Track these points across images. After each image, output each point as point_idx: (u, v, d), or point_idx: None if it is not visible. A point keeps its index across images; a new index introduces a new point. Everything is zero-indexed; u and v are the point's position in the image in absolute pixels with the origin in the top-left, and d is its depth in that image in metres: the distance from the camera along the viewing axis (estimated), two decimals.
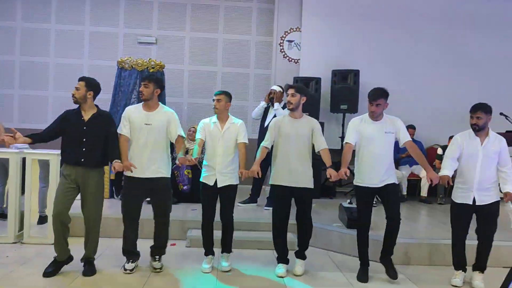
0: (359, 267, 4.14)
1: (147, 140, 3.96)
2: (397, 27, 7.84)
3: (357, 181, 4.08)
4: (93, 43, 8.01)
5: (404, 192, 7.13)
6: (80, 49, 8.00)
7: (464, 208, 3.92)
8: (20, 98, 7.90)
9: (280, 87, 6.10)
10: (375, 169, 3.97)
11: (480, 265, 4.01)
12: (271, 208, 5.79)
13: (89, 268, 3.94)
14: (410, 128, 7.00)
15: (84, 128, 3.85)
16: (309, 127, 4.07)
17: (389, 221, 4.01)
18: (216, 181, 4.05)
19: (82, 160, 3.82)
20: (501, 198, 3.98)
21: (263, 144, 4.17)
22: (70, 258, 3.98)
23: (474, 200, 3.87)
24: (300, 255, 4.22)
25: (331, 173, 3.85)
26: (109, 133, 3.94)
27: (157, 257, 4.16)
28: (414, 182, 7.46)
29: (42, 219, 5.17)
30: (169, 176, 4.14)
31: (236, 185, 4.18)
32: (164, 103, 6.88)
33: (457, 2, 7.91)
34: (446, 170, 3.96)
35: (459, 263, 4.07)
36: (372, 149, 3.97)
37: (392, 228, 4.00)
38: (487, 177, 3.87)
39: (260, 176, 4.02)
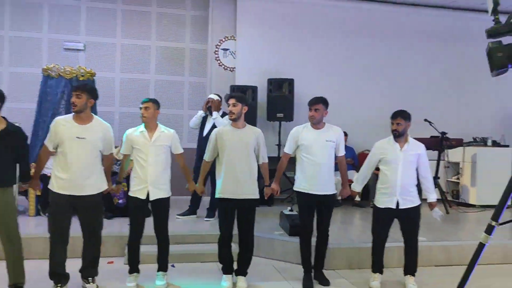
0: (303, 275, 4.17)
1: (78, 155, 3.67)
2: (329, 36, 8.11)
3: (298, 187, 4.14)
4: (14, 49, 7.45)
5: (339, 197, 7.33)
6: None
7: (387, 213, 4.07)
8: None
9: (218, 95, 6.05)
10: (317, 177, 4.05)
11: (411, 269, 4.14)
12: (212, 219, 5.76)
13: None
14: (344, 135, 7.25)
15: None
16: (254, 136, 4.02)
17: (320, 234, 4.17)
18: (148, 194, 3.88)
19: None
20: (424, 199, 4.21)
21: (205, 158, 4.08)
22: None
23: (397, 204, 4.03)
24: (241, 272, 4.14)
25: (268, 192, 4.17)
26: (20, 150, 3.65)
27: (90, 278, 3.87)
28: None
29: None
30: (102, 191, 3.89)
31: (169, 197, 4.05)
32: (95, 112, 6.57)
33: (383, 14, 8.33)
34: (358, 186, 4.37)
35: (378, 266, 4.20)
36: (313, 156, 4.05)
37: (323, 241, 4.18)
38: (409, 181, 4.05)
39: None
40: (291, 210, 5.37)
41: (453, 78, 8.56)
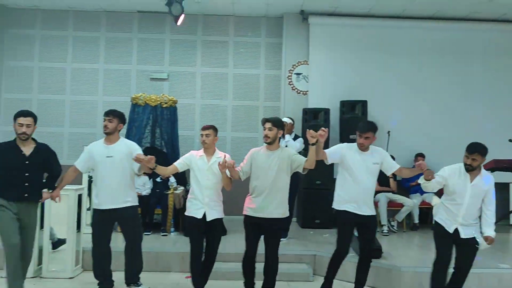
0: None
1: (110, 172, 4.12)
2: (404, 57, 8.00)
3: (338, 206, 4.20)
4: (107, 80, 8.28)
5: (416, 221, 7.12)
6: (95, 86, 8.27)
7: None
8: (37, 135, 8.06)
9: (290, 118, 6.25)
10: (361, 199, 4.11)
11: None
12: (284, 240, 5.88)
13: None
14: (420, 156, 7.08)
15: (26, 162, 3.86)
16: (285, 157, 4.07)
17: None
18: (204, 214, 4.10)
19: (26, 195, 3.86)
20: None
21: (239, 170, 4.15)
22: None
23: (456, 232, 3.91)
24: None
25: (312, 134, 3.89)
26: (51, 165, 4.07)
27: (133, 285, 4.23)
28: (426, 210, 7.46)
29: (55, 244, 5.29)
30: (137, 204, 4.31)
31: (221, 218, 4.28)
32: (177, 136, 7.09)
33: (464, 34, 8.06)
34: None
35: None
36: (356, 178, 4.10)
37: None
38: (471, 214, 3.92)
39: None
40: None
41: None
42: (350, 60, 7.98)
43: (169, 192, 6.31)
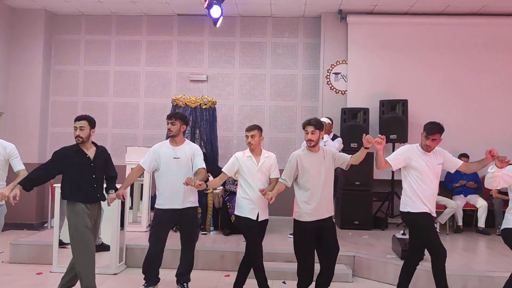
0: None
1: (177, 173, 4.22)
2: (445, 54, 7.80)
3: (416, 209, 4.03)
4: (148, 83, 8.51)
5: (460, 223, 6.92)
6: (137, 89, 8.51)
7: None
8: None
9: (329, 118, 6.22)
10: (432, 201, 4.05)
11: None
12: None
13: None
14: (464, 156, 6.87)
15: (92, 165, 3.99)
16: (328, 157, 4.06)
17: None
18: (258, 215, 4.17)
19: (98, 195, 4.02)
20: None
21: (285, 181, 4.03)
22: None
23: None
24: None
25: (367, 139, 3.89)
26: (110, 166, 4.19)
27: (185, 284, 4.34)
28: (469, 213, 7.23)
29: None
30: (197, 205, 4.44)
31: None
32: (216, 137, 7.20)
33: (505, 29, 7.79)
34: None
35: None
36: (424, 180, 4.01)
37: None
38: None
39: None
40: (403, 234, 5.25)
41: None
42: (389, 59, 7.85)
43: (209, 191, 6.41)
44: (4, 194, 3.77)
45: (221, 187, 6.81)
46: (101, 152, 4.11)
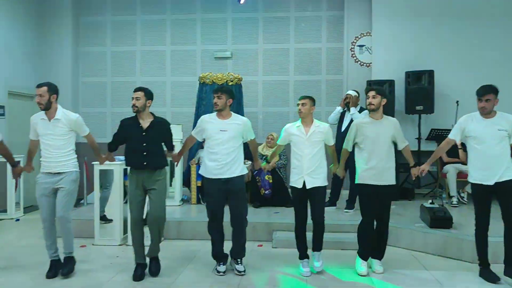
0: (481, 269, 4.11)
1: (224, 145, 4.23)
2: (473, 22, 7.62)
3: (472, 179, 4.08)
4: (174, 61, 8.64)
5: None
6: (163, 68, 8.66)
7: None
8: (112, 115, 8.70)
9: (356, 91, 6.26)
10: (491, 169, 3.94)
11: None
12: (351, 211, 6.00)
13: (155, 265, 4.29)
14: None
15: (144, 134, 4.19)
16: (391, 127, 4.23)
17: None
18: (304, 183, 4.24)
19: (145, 163, 4.18)
20: None
21: (345, 147, 4.36)
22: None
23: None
24: (377, 256, 4.33)
25: (415, 172, 4.21)
26: (167, 137, 4.35)
27: (239, 260, 4.36)
28: None
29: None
30: (244, 175, 4.38)
31: (325, 186, 4.35)
32: (242, 113, 7.32)
33: None
34: None
35: None
36: (485, 148, 3.95)
37: None
38: None
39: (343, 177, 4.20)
40: (432, 203, 5.34)
41: None
42: (414, 29, 7.75)
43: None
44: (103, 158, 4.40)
45: (250, 162, 6.98)
46: (157, 123, 4.27)
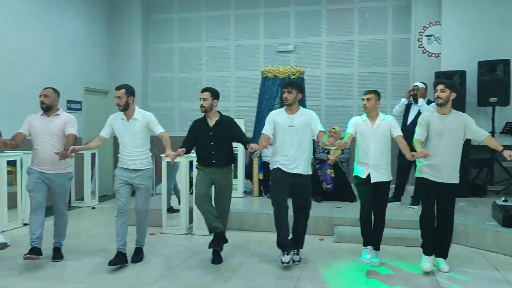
0: None
1: (292, 140, 4.24)
2: None
3: None
4: (237, 56, 8.79)
5: None
6: (227, 63, 8.85)
7: None
8: (180, 110, 9.03)
9: (423, 83, 6.05)
10: None
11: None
12: (416, 207, 5.82)
13: (217, 258, 4.41)
14: None
15: (211, 133, 4.37)
16: (460, 122, 4.03)
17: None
18: (369, 175, 4.20)
19: (213, 161, 4.35)
20: None
21: (416, 137, 4.11)
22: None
23: None
24: (442, 254, 4.18)
25: (510, 153, 3.86)
26: (234, 133, 4.42)
27: (296, 250, 4.41)
28: None
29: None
30: (310, 173, 4.38)
31: (389, 181, 4.30)
32: (304, 106, 7.30)
33: None
34: None
35: None
36: None
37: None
38: None
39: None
40: (505, 201, 5.05)
41: None
42: (487, 16, 7.29)
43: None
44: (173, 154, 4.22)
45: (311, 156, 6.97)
46: (222, 121, 4.43)
